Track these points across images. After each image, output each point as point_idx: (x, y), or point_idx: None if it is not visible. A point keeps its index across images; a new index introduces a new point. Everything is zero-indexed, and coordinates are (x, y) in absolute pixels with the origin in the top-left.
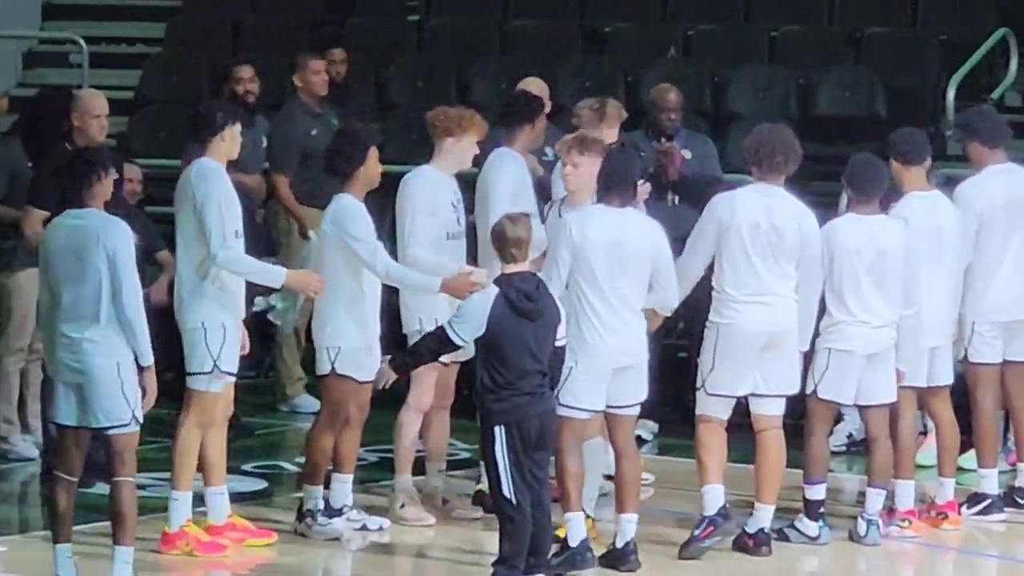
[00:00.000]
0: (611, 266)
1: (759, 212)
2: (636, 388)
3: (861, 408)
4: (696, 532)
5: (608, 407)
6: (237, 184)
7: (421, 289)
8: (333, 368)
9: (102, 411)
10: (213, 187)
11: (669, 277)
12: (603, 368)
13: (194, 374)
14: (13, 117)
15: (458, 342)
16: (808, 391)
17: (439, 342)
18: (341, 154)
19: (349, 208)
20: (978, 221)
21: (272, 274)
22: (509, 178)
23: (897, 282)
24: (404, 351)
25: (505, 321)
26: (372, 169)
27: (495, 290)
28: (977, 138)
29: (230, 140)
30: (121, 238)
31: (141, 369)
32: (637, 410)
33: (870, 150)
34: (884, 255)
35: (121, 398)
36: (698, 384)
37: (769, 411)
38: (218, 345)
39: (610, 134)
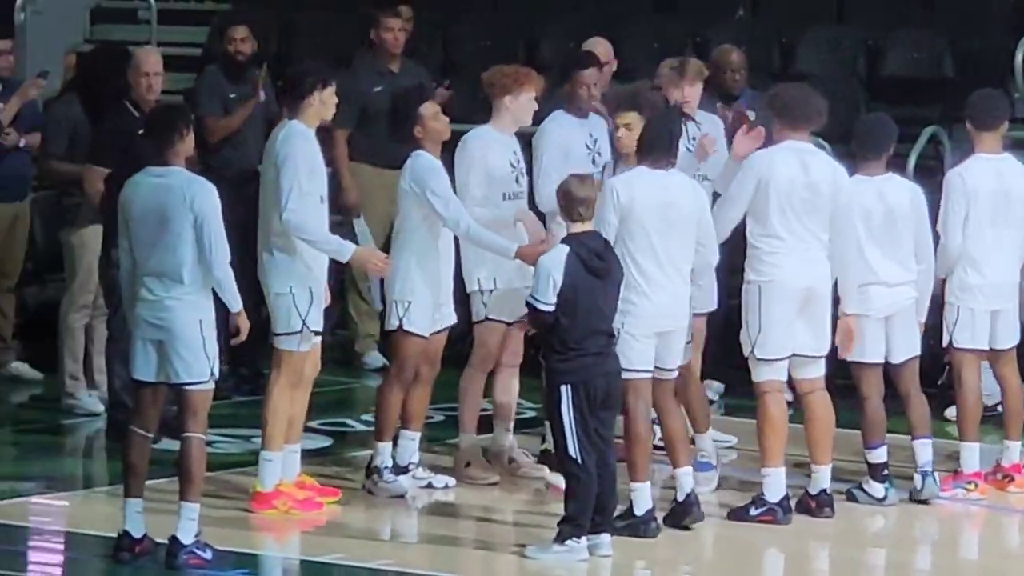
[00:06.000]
0: (660, 227)
1: (796, 168)
2: (678, 352)
3: (892, 367)
4: (753, 511)
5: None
6: None
7: (497, 252)
8: (401, 324)
9: (183, 367)
10: (294, 149)
11: (711, 237)
12: (647, 328)
13: (283, 335)
14: None
15: (545, 308)
16: (850, 358)
17: (533, 316)
18: (397, 114)
19: (427, 164)
20: None
21: (339, 248)
22: (554, 140)
23: (909, 240)
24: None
25: (577, 279)
26: (431, 124)
27: (565, 249)
28: None
29: (319, 103)
30: (209, 198)
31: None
32: (676, 374)
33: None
34: (892, 214)
35: (202, 354)
36: (746, 351)
37: (812, 373)
38: (306, 305)
39: (691, 92)
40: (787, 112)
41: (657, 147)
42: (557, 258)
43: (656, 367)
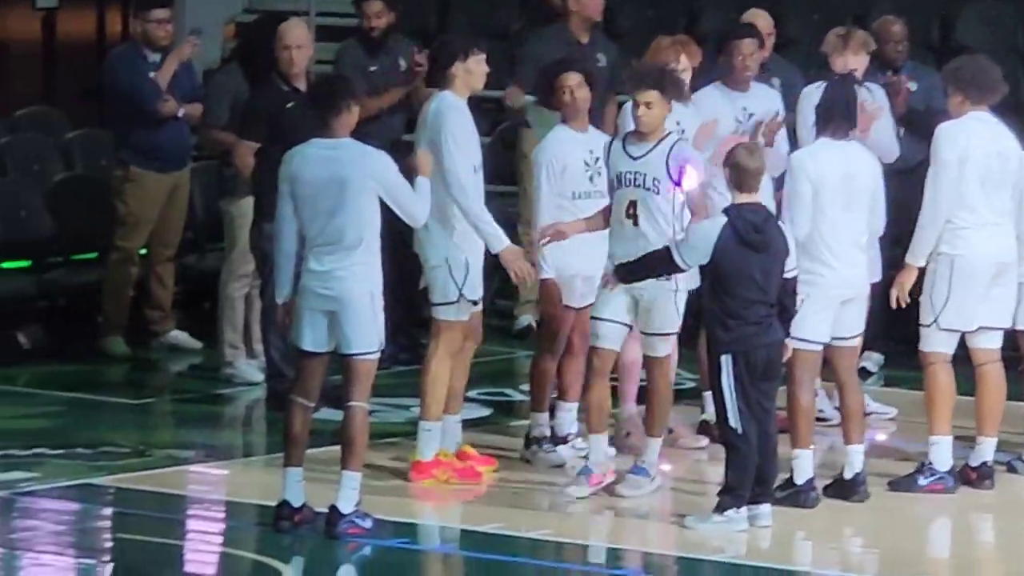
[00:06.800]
0: (841, 199)
1: (989, 140)
2: (859, 320)
3: None
4: (922, 481)
5: (832, 339)
6: None
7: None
8: None
9: (353, 336)
10: (447, 122)
11: (882, 206)
12: (831, 300)
13: (440, 305)
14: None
15: (682, 265)
16: (1019, 327)
17: (663, 262)
18: (540, 85)
19: (552, 138)
20: None
21: (494, 235)
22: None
23: None
24: (630, 262)
25: (730, 251)
26: (568, 97)
27: (723, 219)
28: None
29: (464, 72)
30: (387, 166)
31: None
32: (859, 342)
33: None
34: None
35: (372, 324)
36: (927, 320)
37: (991, 344)
38: (462, 275)
39: (856, 61)
40: (971, 84)
41: (835, 116)
42: (713, 227)
43: (836, 338)
